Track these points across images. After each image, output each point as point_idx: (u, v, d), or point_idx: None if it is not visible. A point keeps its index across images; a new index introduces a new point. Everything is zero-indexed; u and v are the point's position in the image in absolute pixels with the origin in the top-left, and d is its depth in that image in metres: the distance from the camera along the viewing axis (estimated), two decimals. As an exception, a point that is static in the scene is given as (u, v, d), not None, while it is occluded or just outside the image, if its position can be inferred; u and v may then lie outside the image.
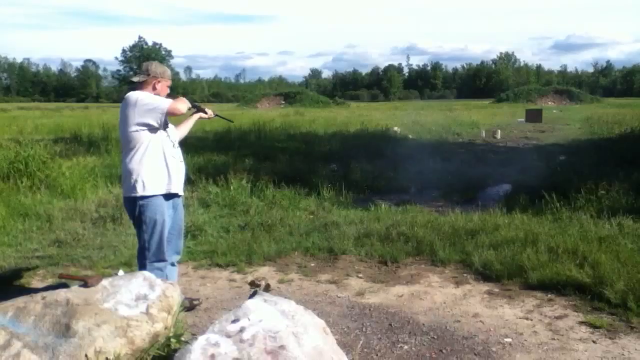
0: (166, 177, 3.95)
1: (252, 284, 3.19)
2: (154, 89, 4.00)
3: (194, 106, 4.19)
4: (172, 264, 4.25)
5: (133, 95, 3.88)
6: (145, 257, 4.01)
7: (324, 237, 6.28)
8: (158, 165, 3.92)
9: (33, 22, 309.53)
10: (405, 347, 3.76)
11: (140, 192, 3.88)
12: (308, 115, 32.68)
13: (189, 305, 4.29)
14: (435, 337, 3.91)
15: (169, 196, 4.01)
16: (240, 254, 5.74)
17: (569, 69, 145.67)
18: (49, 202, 8.07)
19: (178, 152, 4.13)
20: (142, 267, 3.98)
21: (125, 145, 3.96)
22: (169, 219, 4.02)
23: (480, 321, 4.15)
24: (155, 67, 4.06)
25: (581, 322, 4.06)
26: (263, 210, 7.51)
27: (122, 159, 4.02)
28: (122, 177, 4.05)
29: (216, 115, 4.52)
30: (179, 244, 4.28)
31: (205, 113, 4.33)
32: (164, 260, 4.03)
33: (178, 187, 4.07)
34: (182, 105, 3.89)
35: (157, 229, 3.94)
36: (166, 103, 3.85)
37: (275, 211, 7.45)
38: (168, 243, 4.10)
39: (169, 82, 4.11)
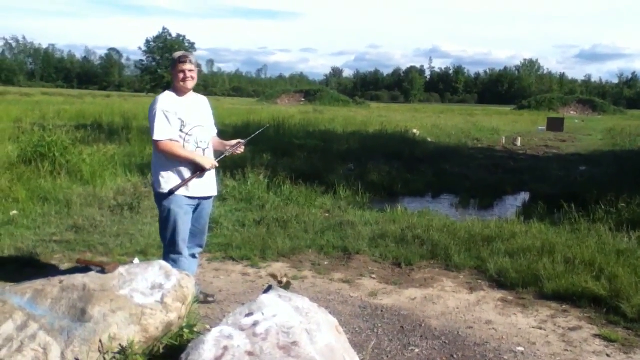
0: (183, 180, 3.94)
1: (274, 277, 3.20)
2: (174, 79, 3.99)
3: (219, 159, 4.13)
4: (194, 256, 4.28)
5: (153, 103, 3.92)
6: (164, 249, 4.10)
7: (338, 236, 6.28)
8: (176, 167, 3.92)
9: (59, 9, 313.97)
10: (417, 350, 3.75)
11: (157, 188, 3.97)
12: (327, 113, 32.69)
13: (203, 300, 4.32)
14: (447, 342, 3.89)
15: (187, 197, 3.99)
16: (254, 248, 5.76)
17: (593, 79, 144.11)
18: (69, 187, 8.16)
19: (206, 155, 4.06)
20: (164, 255, 4.07)
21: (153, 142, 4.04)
22: (186, 216, 4.01)
23: (493, 328, 4.12)
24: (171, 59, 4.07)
25: (595, 335, 4.01)
26: (279, 206, 7.53)
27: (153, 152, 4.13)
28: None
29: (247, 141, 4.35)
30: (203, 238, 4.30)
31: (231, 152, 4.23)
32: (178, 253, 4.05)
33: (201, 190, 4.03)
34: (171, 150, 3.85)
35: (171, 221, 3.96)
36: (157, 137, 3.82)
37: (291, 208, 7.47)
38: (192, 236, 4.14)
39: (179, 66, 3.92)
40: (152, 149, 4.03)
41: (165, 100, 3.92)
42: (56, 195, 7.58)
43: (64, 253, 5.53)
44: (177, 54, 4.02)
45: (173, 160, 3.91)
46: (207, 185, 4.08)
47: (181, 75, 3.93)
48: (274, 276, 3.25)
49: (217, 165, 4.08)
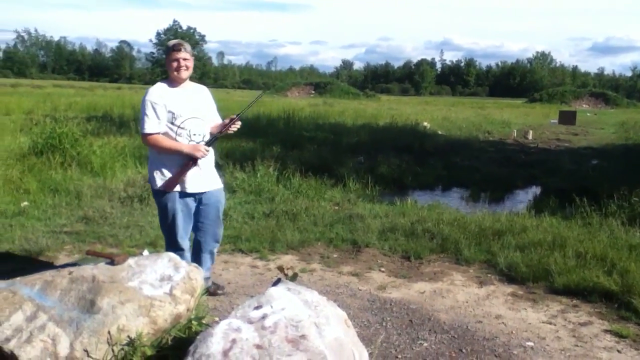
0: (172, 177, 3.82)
1: (281, 269, 3.19)
2: (168, 69, 3.82)
3: (210, 142, 3.91)
4: (211, 252, 4.20)
5: (144, 95, 3.79)
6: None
7: (348, 229, 6.27)
8: (169, 162, 3.80)
9: (71, 1, 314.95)
10: (425, 344, 3.73)
11: (153, 185, 3.88)
12: (337, 106, 32.60)
13: (214, 291, 4.31)
14: (456, 336, 3.87)
15: (183, 193, 3.88)
16: (263, 241, 5.76)
17: (606, 72, 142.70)
18: (79, 179, 8.21)
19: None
20: (166, 250, 3.96)
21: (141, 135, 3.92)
22: (183, 213, 3.91)
23: (503, 323, 4.09)
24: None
25: (606, 331, 3.98)
26: (288, 199, 7.53)
27: None
28: None
29: (240, 114, 4.06)
30: (217, 233, 4.17)
31: (228, 130, 3.98)
32: (179, 249, 3.93)
33: (197, 185, 3.89)
34: (158, 144, 3.74)
35: (168, 219, 3.90)
36: (145, 130, 3.72)
37: (301, 200, 7.46)
38: (205, 232, 4.07)
39: (173, 55, 3.76)
40: None
41: (156, 91, 3.78)
42: (66, 187, 7.63)
43: (73, 244, 5.57)
44: (171, 42, 3.84)
45: (168, 156, 3.78)
46: (204, 180, 3.93)
47: (175, 64, 3.76)
48: (280, 268, 3.24)
49: (208, 150, 3.87)
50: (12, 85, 46.61)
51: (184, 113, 3.79)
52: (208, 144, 3.91)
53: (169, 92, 3.79)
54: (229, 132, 4.00)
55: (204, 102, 3.99)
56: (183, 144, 3.80)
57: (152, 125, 3.72)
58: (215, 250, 4.30)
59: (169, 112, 3.74)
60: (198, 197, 3.97)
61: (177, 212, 3.89)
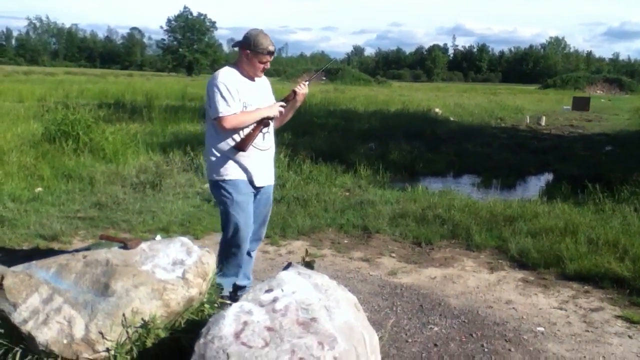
0: (239, 165, 3.62)
1: (303, 258, 3.24)
2: (245, 61, 3.60)
3: (286, 100, 3.78)
4: (249, 254, 3.94)
5: (213, 78, 3.57)
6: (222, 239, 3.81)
7: (358, 215, 6.28)
8: (231, 152, 3.59)
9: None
10: (435, 328, 3.75)
11: (213, 176, 3.68)
12: (349, 92, 32.48)
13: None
14: (466, 320, 3.88)
15: (247, 183, 3.68)
16: (274, 226, 5.78)
17: (621, 57, 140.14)
18: (92, 165, 8.28)
19: (266, 140, 3.71)
20: (220, 253, 3.69)
21: (207, 122, 3.75)
22: (246, 205, 3.68)
23: (513, 308, 4.10)
24: (248, 35, 3.58)
25: (617, 316, 3.97)
26: (299, 185, 7.55)
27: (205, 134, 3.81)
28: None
29: (310, 80, 4.01)
30: (259, 232, 3.97)
31: (295, 94, 3.78)
32: (237, 245, 3.71)
33: (261, 178, 3.71)
34: (239, 122, 3.50)
35: (229, 213, 3.65)
36: (222, 112, 3.47)
37: (311, 186, 7.48)
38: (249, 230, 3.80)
39: (263, 58, 3.56)
40: (208, 132, 3.69)
41: (228, 75, 3.59)
42: (80, 173, 7.70)
43: (87, 229, 5.63)
44: (269, 44, 3.56)
45: (228, 145, 3.57)
46: (267, 174, 3.79)
47: (262, 67, 3.61)
48: (302, 258, 3.28)
49: (285, 106, 3.72)
50: (25, 72, 46.88)
51: (254, 102, 3.63)
52: (284, 100, 3.77)
53: (240, 79, 3.62)
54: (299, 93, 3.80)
55: (268, 94, 3.84)
56: (260, 108, 3.62)
57: (231, 106, 3.50)
58: (254, 253, 4.05)
59: (240, 100, 3.56)
60: (256, 191, 3.79)
61: (240, 203, 3.64)
